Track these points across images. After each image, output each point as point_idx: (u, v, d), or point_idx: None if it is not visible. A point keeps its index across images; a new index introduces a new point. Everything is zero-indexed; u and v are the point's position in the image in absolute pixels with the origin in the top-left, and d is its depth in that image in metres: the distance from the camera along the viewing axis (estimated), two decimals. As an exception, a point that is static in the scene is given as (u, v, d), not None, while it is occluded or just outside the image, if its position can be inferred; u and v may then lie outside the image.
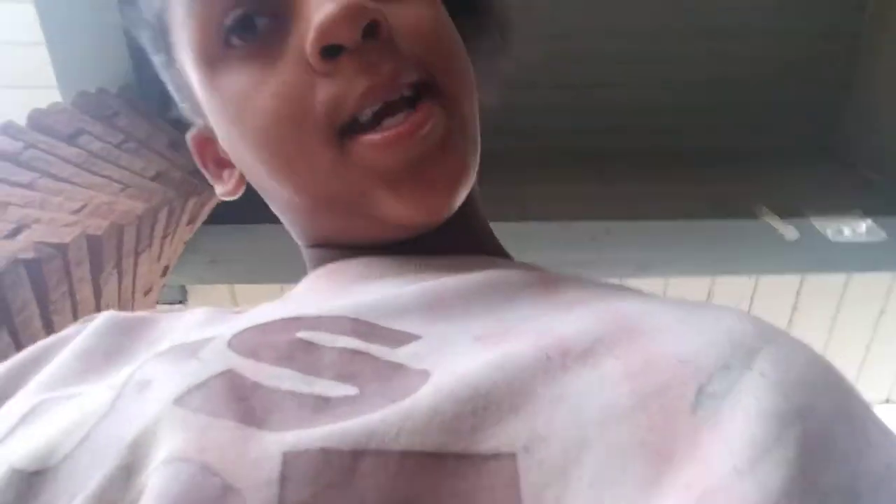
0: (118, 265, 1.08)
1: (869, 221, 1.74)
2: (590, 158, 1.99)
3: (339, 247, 0.37)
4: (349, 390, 0.23)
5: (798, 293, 2.07)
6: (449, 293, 0.29)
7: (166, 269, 1.33)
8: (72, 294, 0.92)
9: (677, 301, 0.29)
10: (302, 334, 0.25)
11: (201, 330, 0.30)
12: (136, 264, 1.15)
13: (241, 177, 0.41)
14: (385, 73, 0.30)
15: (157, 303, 1.47)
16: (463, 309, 0.28)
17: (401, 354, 0.25)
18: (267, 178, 0.36)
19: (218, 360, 0.24)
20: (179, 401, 0.22)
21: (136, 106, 1.39)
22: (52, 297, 0.87)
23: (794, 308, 2.03)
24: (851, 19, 2.05)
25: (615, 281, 0.37)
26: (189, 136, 0.42)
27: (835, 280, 2.05)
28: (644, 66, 2.05)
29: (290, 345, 0.25)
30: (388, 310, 0.28)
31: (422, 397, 0.21)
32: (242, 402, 0.22)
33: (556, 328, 0.26)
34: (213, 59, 0.33)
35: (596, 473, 0.20)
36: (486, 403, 0.21)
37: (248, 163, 0.36)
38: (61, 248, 0.90)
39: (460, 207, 0.36)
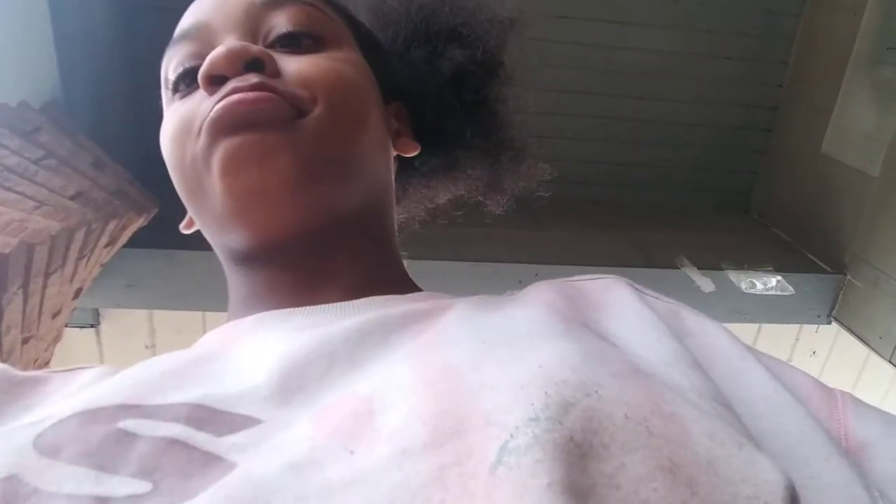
0: (25, 285, 1.03)
1: (779, 277, 1.84)
2: (524, 205, 2.03)
3: (242, 262, 0.40)
4: (140, 487, 0.22)
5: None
6: (313, 358, 0.29)
7: (79, 291, 1.27)
8: (-31, 314, 0.86)
9: (517, 333, 0.28)
10: (124, 423, 0.25)
11: (67, 398, 0.30)
12: (45, 285, 1.10)
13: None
14: (250, 79, 0.36)
15: (68, 326, 1.40)
16: (321, 374, 0.28)
17: (224, 443, 0.24)
18: (184, 198, 0.41)
19: (6, 462, 0.23)
20: None
21: (60, 123, 1.34)
22: (-54, 316, 0.82)
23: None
24: (770, 94, 2.20)
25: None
26: None
27: (747, 329, 2.15)
28: (580, 122, 2.14)
29: (105, 436, 0.24)
30: (239, 390, 0.27)
31: (202, 499, 0.21)
32: None
33: (381, 392, 0.25)
34: (166, 105, 0.42)
35: None
36: (268, 502, 0.21)
37: (178, 190, 0.41)
38: (-39, 265, 0.85)
39: (358, 252, 0.40)
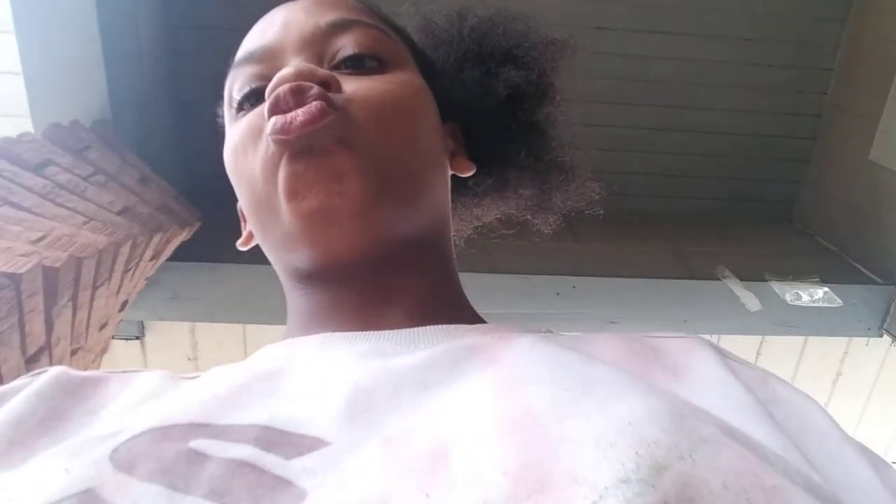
0: (74, 298, 1.06)
1: (826, 288, 1.78)
2: (561, 216, 2.02)
3: (305, 281, 0.41)
4: None
5: (758, 353, 2.10)
6: (380, 383, 0.29)
7: (125, 303, 1.30)
8: (21, 325, 0.89)
9: (600, 381, 0.27)
10: (196, 443, 0.25)
11: (134, 408, 0.31)
12: (92, 298, 1.13)
13: (251, 231, 0.47)
14: (313, 98, 0.36)
15: (114, 338, 1.44)
16: (388, 397, 0.28)
17: (293, 467, 0.24)
18: (250, 211, 0.41)
19: (85, 474, 0.24)
20: None
21: (109, 140, 1.39)
22: (0, 328, 0.85)
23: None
24: (813, 101, 2.15)
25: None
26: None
27: (793, 342, 2.09)
28: (619, 133, 2.12)
29: (177, 455, 0.25)
30: (306, 411, 0.27)
31: None
32: None
33: (457, 431, 0.24)
34: (229, 123, 0.43)
35: None
36: None
37: (243, 205, 0.42)
38: (14, 279, 0.88)
39: (421, 274, 0.40)
